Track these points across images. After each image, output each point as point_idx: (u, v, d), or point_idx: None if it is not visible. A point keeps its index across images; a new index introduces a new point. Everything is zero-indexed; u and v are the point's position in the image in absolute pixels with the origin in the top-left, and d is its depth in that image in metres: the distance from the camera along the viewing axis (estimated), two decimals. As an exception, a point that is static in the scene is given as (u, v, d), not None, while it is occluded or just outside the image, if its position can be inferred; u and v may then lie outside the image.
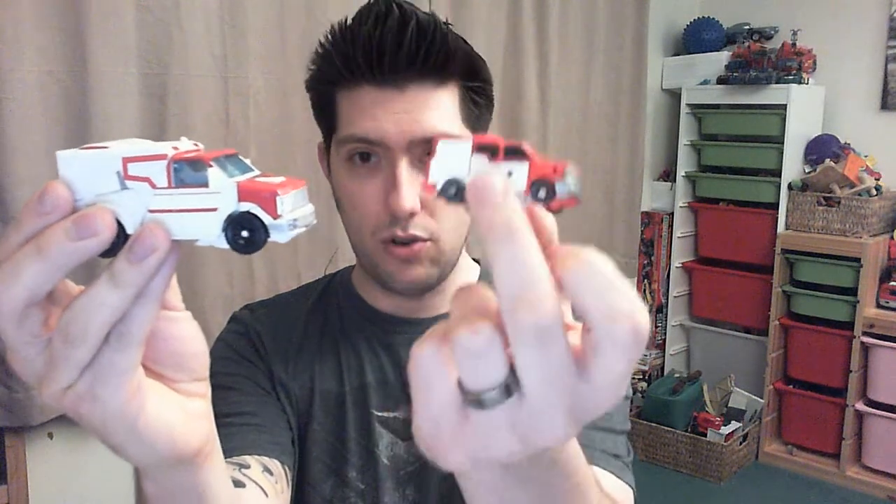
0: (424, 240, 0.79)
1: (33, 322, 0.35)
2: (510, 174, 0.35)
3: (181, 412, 0.40)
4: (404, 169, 0.77)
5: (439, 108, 0.78)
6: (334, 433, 0.86)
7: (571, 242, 0.33)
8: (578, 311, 0.32)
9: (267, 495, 0.70)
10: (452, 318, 0.33)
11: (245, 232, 0.35)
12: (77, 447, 1.80)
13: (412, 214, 0.77)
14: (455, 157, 0.35)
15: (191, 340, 0.41)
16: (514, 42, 2.72)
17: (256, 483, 0.70)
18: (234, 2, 1.94)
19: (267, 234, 0.36)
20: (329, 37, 0.79)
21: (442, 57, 0.77)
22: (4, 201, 1.60)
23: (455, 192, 0.35)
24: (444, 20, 0.79)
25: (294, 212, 0.36)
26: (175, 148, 0.37)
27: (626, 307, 0.31)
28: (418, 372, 0.33)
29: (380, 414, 0.86)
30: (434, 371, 0.32)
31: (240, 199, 0.35)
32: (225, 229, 0.35)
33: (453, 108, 0.80)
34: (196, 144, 0.38)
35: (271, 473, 0.75)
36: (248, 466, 0.72)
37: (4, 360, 1.68)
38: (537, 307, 0.30)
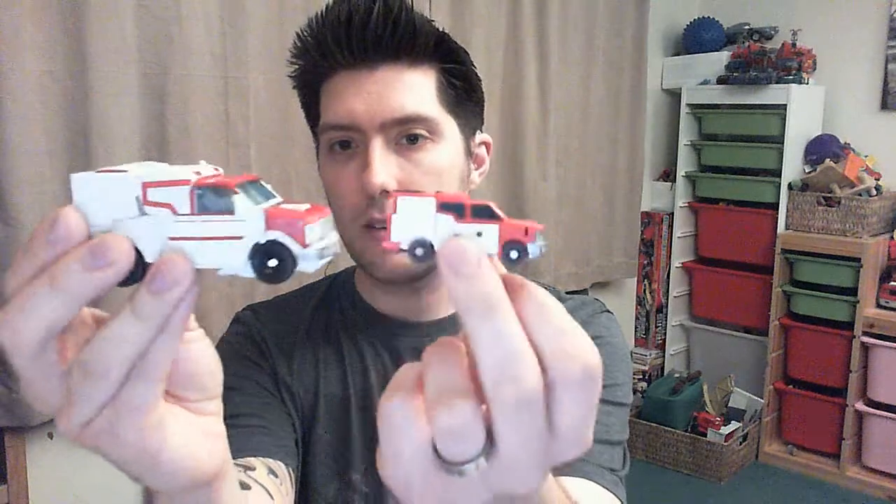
0: None
1: (49, 356, 0.33)
2: (479, 234, 0.33)
3: (202, 437, 0.38)
4: (377, 147, 0.77)
5: (411, 88, 0.78)
6: (338, 436, 0.85)
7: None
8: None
9: (272, 497, 0.70)
10: (428, 383, 0.32)
11: (272, 261, 0.34)
12: (77, 447, 1.79)
13: (385, 192, 0.76)
14: (418, 215, 0.34)
15: (204, 360, 0.38)
16: (514, 42, 2.72)
17: (262, 485, 0.70)
18: (234, 2, 1.94)
19: (295, 264, 0.34)
20: (303, 30, 0.80)
21: (409, 34, 0.77)
22: (4, 201, 1.60)
23: (423, 253, 0.34)
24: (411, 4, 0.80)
25: (322, 240, 0.35)
26: (197, 173, 0.35)
27: (579, 347, 0.31)
28: (388, 424, 0.32)
29: None
30: (405, 427, 0.32)
31: (267, 228, 0.33)
32: (252, 258, 0.34)
33: (429, 91, 0.80)
34: (217, 169, 0.36)
35: (276, 475, 0.74)
36: (253, 469, 0.72)
37: (4, 361, 1.68)
38: (521, 382, 0.30)
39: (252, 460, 0.74)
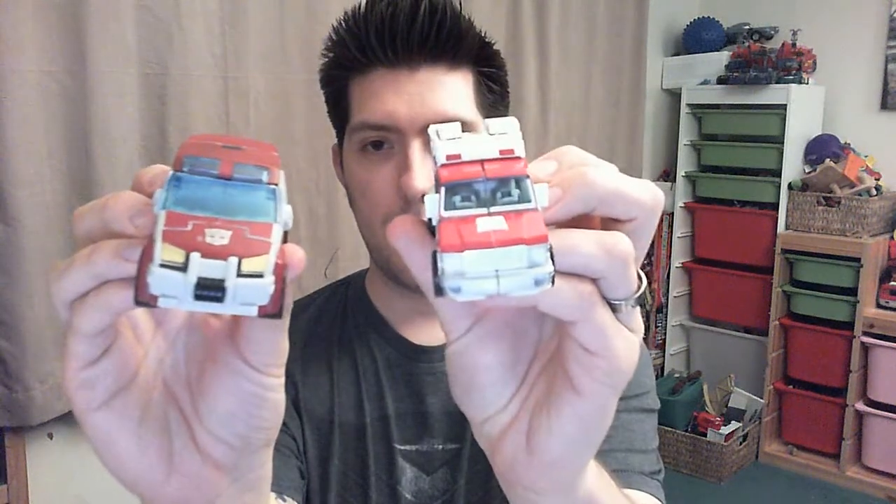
0: None
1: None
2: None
3: (139, 447, 0.35)
4: (416, 150, 0.75)
5: (452, 91, 0.77)
6: (355, 468, 0.83)
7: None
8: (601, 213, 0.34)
9: None
10: (577, 246, 0.32)
11: None
12: (77, 447, 1.79)
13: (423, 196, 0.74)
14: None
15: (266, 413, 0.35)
16: (514, 42, 2.72)
17: None
18: (234, 2, 1.94)
19: None
20: (342, 22, 0.79)
21: (454, 37, 0.76)
22: (4, 201, 1.60)
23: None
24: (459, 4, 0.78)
25: None
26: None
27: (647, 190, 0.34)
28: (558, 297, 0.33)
29: (402, 448, 0.83)
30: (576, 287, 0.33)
31: None
32: None
33: (467, 93, 0.78)
34: None
35: (284, 501, 0.74)
36: None
37: (4, 361, 1.68)
38: (657, 191, 0.34)
39: None
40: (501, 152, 0.31)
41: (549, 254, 0.29)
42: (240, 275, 0.28)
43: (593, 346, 0.32)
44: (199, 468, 0.36)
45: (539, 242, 0.29)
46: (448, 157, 0.31)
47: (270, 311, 0.29)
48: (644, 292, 0.34)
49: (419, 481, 0.83)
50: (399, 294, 0.85)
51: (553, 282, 0.29)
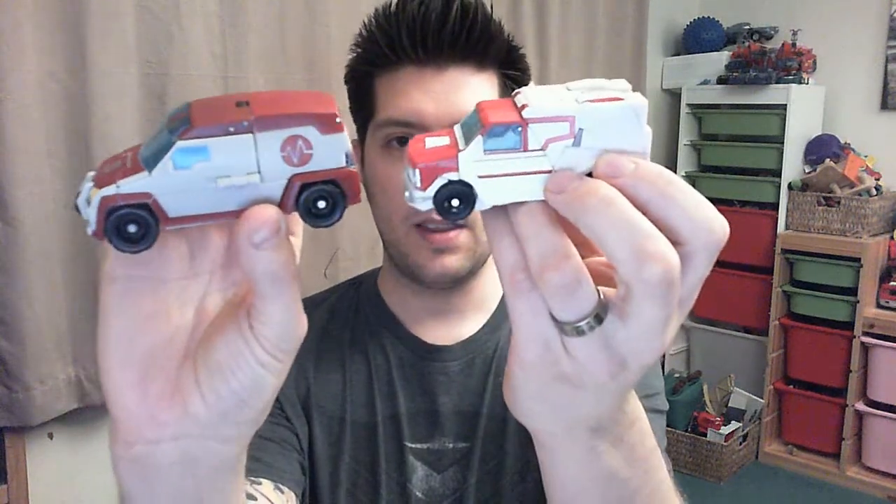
0: (461, 226, 0.78)
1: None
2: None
3: (138, 388, 0.35)
4: None
5: (478, 91, 0.78)
6: (366, 466, 0.83)
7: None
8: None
9: None
10: (530, 258, 0.33)
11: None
12: (77, 447, 1.80)
13: None
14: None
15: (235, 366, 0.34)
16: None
17: (268, 499, 0.70)
18: (234, 2, 1.94)
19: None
20: (372, 19, 0.80)
21: (484, 39, 0.77)
22: (4, 201, 1.60)
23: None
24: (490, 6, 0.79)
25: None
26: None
27: (712, 217, 0.34)
28: (510, 308, 0.35)
29: (413, 446, 0.83)
30: (521, 300, 0.34)
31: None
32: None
33: (492, 95, 0.79)
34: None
35: (282, 492, 0.74)
36: (259, 483, 0.71)
37: (4, 361, 1.68)
38: (666, 259, 0.31)
39: (260, 478, 0.73)
40: (521, 106, 0.34)
41: (419, 179, 0.34)
42: (88, 200, 0.33)
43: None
44: (167, 395, 0.35)
45: (413, 166, 0.34)
46: (514, 92, 0.36)
47: (97, 237, 0.33)
48: (587, 322, 0.33)
49: (430, 479, 0.83)
50: (412, 293, 0.85)
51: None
